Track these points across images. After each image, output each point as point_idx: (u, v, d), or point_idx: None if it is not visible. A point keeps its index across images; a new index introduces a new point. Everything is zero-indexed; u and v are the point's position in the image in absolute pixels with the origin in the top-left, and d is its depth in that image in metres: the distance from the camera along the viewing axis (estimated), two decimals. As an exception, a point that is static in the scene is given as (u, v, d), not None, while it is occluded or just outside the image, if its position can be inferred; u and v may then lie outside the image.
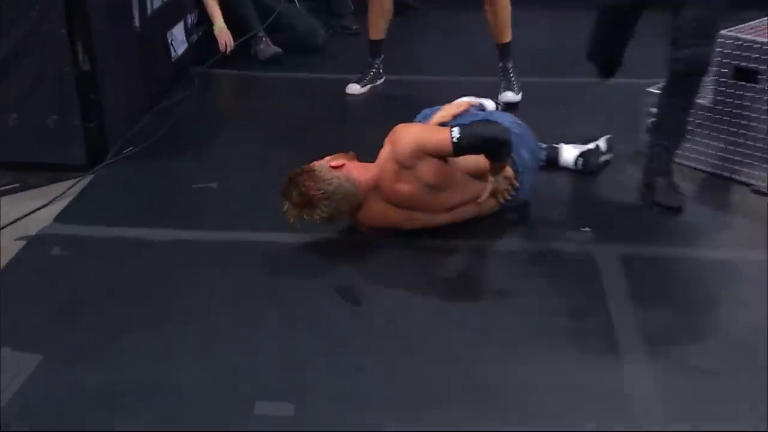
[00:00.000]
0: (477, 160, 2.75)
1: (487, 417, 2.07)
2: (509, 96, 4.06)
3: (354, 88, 4.25)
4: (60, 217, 3.03)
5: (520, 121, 3.00)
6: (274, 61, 4.68)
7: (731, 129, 3.21)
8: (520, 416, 2.07)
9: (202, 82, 4.37)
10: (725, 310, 2.56)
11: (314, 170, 2.65)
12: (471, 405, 2.12)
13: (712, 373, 2.21)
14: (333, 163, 2.71)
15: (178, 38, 4.39)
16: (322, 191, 2.62)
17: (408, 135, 2.70)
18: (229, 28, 4.60)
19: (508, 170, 2.83)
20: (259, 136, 3.77)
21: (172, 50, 4.28)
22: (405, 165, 2.68)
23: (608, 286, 2.62)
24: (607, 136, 3.39)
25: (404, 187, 2.70)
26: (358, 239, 2.89)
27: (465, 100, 3.11)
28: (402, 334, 2.42)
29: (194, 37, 4.65)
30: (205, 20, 4.72)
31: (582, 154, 3.31)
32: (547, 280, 2.67)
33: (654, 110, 3.24)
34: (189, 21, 4.55)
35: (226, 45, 4.57)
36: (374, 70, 4.28)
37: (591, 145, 3.34)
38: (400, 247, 2.85)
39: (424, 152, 2.65)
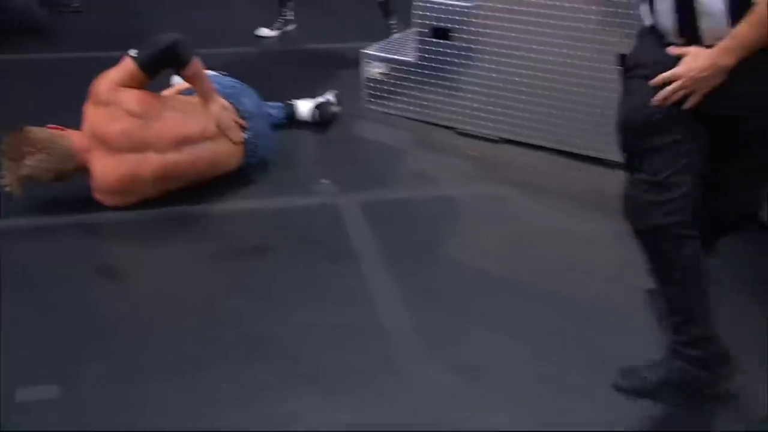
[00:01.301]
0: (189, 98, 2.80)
1: (261, 365, 2.06)
2: (263, 30, 4.47)
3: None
4: None
5: (238, 81, 3.04)
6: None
7: (436, 82, 3.38)
8: (291, 361, 2.08)
9: None
10: (453, 238, 2.73)
11: (28, 127, 2.59)
12: (245, 357, 2.09)
13: (451, 295, 2.36)
14: (51, 126, 2.66)
15: None
16: (29, 139, 2.55)
17: (99, 78, 2.68)
18: None
19: (224, 102, 2.82)
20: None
21: None
22: (105, 102, 2.63)
23: (353, 231, 2.70)
24: (334, 91, 3.47)
25: (116, 125, 2.62)
26: (108, 217, 2.70)
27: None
28: (168, 303, 2.32)
29: None
30: None
31: (317, 106, 3.38)
32: (298, 233, 2.68)
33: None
34: None
35: None
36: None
37: (322, 99, 3.42)
38: (153, 218, 2.71)
39: (117, 83, 2.64)
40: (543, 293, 2.33)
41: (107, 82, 2.63)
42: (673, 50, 1.74)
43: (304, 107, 3.37)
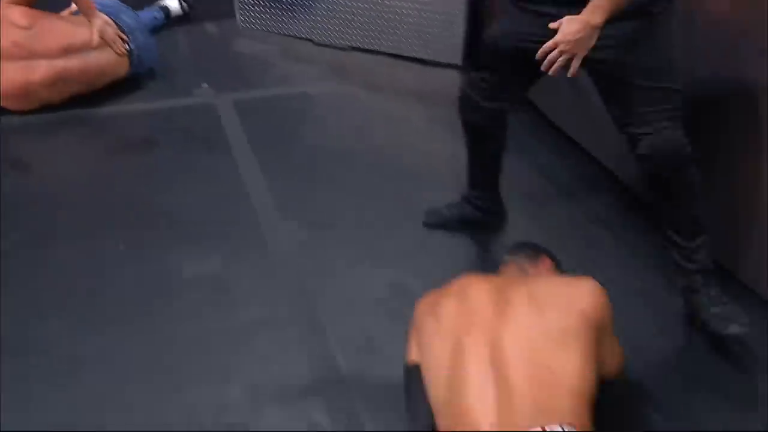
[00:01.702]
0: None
1: (151, 230, 2.17)
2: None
3: None
4: None
5: (116, 1, 3.01)
6: None
7: (297, 1, 3.42)
8: (175, 225, 2.19)
9: None
10: (309, 126, 2.85)
11: None
12: (137, 225, 2.19)
13: (304, 169, 2.51)
14: None
15: None
16: None
17: None
18: None
19: (106, 17, 2.81)
20: None
21: None
22: None
23: (227, 124, 2.79)
24: None
25: (7, 38, 2.60)
26: (13, 120, 2.67)
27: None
28: (70, 187, 2.37)
29: None
30: None
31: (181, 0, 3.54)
32: (181, 129, 2.75)
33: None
34: None
35: None
36: None
37: None
38: (53, 120, 2.69)
39: (5, 2, 2.62)
40: (374, 164, 2.54)
41: None
42: (552, 25, 1.63)
43: (173, 3, 3.48)
